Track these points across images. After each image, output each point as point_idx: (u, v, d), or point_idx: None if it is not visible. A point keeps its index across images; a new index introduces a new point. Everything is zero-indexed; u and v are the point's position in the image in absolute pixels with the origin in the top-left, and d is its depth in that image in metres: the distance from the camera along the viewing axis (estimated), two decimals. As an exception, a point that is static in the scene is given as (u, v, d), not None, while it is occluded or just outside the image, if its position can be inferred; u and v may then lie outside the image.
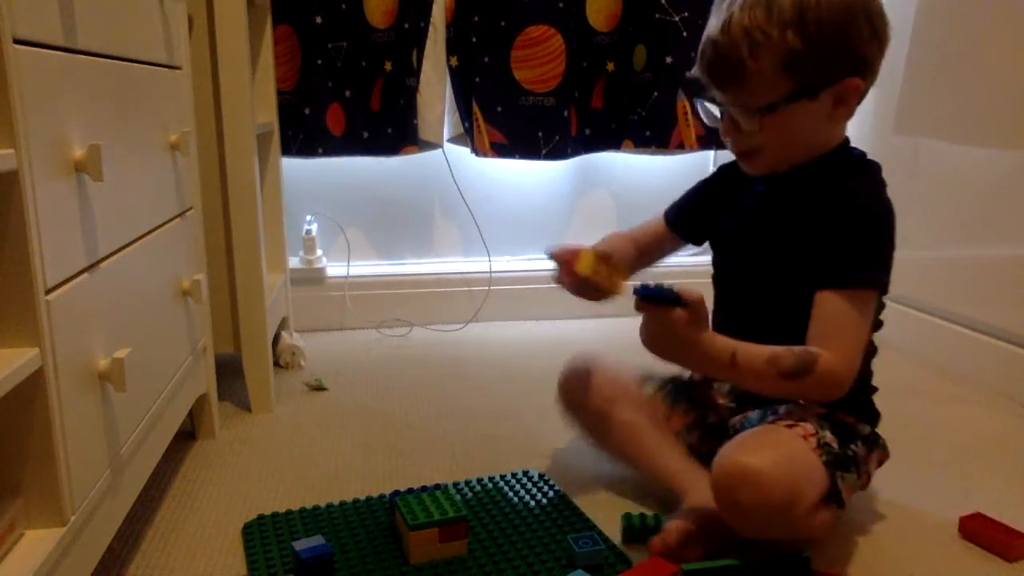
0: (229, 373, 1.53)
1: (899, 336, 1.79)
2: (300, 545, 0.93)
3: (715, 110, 1.01)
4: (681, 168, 2.09)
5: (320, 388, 1.57)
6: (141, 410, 0.98)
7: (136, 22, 1.02)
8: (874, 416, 1.07)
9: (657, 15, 1.86)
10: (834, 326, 0.93)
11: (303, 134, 1.86)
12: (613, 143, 1.98)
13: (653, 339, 0.94)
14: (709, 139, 1.95)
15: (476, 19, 1.84)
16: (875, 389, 1.08)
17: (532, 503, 1.09)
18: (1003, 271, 1.52)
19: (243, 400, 1.46)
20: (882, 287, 0.96)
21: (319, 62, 1.82)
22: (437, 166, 1.98)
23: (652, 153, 1.98)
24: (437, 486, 1.09)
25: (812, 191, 0.99)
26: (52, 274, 0.74)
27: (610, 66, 1.93)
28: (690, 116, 1.91)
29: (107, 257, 0.88)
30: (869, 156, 1.02)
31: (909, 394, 1.51)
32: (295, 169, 1.93)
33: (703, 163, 2.10)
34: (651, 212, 2.07)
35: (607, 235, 1.22)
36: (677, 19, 1.86)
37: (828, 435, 0.97)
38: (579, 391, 1.15)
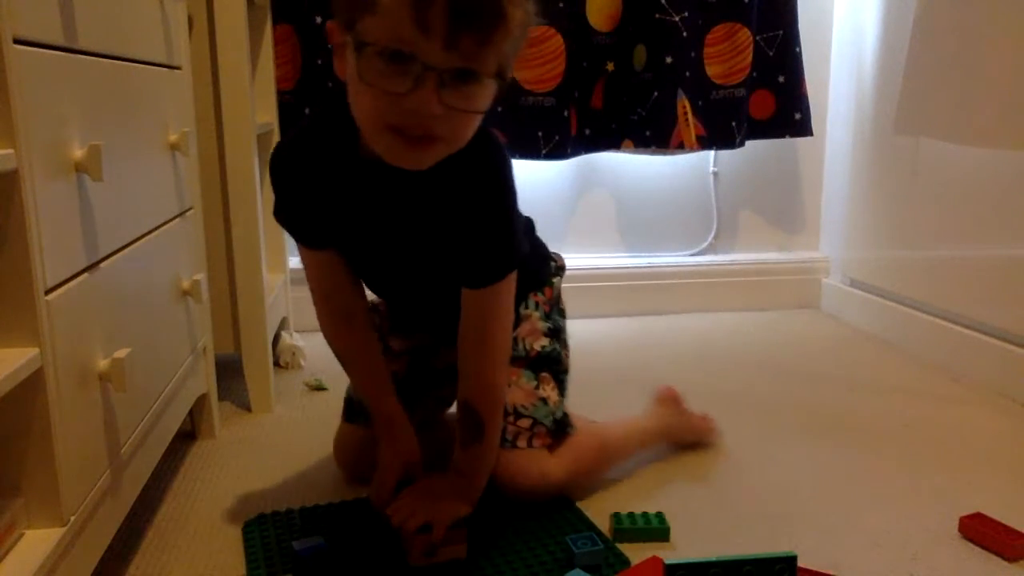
0: (229, 373, 1.53)
1: (899, 336, 1.80)
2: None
3: (408, 78, 0.77)
4: (681, 168, 2.08)
5: (320, 388, 1.56)
6: (141, 410, 0.98)
7: (136, 22, 1.02)
8: (544, 259, 1.18)
9: (657, 15, 1.86)
10: (481, 329, 0.98)
11: (303, 134, 1.86)
12: (613, 143, 1.98)
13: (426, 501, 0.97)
14: (709, 139, 1.95)
15: (476, 19, 1.84)
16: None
17: (531, 503, 1.09)
18: (1003, 271, 1.52)
19: (243, 400, 1.46)
20: (517, 262, 0.96)
21: (319, 62, 1.82)
22: (437, 166, 1.98)
23: (652, 153, 1.98)
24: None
25: (446, 178, 0.90)
26: (52, 274, 0.74)
27: (610, 66, 1.93)
28: (690, 116, 1.91)
29: (107, 257, 0.88)
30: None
31: (910, 394, 1.51)
32: (295, 169, 1.92)
33: (703, 163, 2.09)
34: (651, 212, 2.06)
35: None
36: (677, 19, 1.86)
37: (543, 387, 1.08)
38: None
